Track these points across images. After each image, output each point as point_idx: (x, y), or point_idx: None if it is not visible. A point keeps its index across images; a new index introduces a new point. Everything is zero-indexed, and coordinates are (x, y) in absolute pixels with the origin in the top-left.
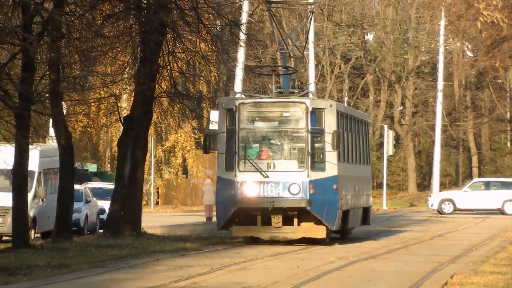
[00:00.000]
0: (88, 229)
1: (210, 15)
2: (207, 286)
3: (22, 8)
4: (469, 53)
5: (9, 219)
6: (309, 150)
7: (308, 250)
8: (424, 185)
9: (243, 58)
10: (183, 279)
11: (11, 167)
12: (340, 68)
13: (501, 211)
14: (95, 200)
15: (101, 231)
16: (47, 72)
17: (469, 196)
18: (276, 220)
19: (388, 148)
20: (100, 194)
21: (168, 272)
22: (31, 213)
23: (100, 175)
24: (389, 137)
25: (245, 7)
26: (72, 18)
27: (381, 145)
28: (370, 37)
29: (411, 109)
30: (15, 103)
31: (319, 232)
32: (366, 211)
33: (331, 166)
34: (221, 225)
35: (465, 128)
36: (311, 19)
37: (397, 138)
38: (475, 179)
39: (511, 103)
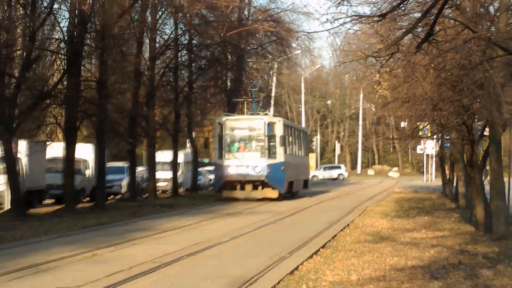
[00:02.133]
0: (205, 187)
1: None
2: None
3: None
4: (373, 108)
5: (170, 183)
6: (266, 146)
7: (272, 203)
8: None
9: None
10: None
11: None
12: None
13: (335, 179)
14: (207, 175)
15: (210, 188)
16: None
17: (323, 172)
18: (248, 187)
19: (337, 151)
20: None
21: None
22: (180, 180)
23: (209, 164)
24: (337, 146)
25: None
26: (197, 95)
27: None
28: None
29: (347, 134)
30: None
31: (274, 194)
32: (306, 181)
33: (280, 156)
34: (217, 190)
35: (371, 142)
36: (273, 72)
37: (341, 147)
38: (323, 165)
39: (393, 133)
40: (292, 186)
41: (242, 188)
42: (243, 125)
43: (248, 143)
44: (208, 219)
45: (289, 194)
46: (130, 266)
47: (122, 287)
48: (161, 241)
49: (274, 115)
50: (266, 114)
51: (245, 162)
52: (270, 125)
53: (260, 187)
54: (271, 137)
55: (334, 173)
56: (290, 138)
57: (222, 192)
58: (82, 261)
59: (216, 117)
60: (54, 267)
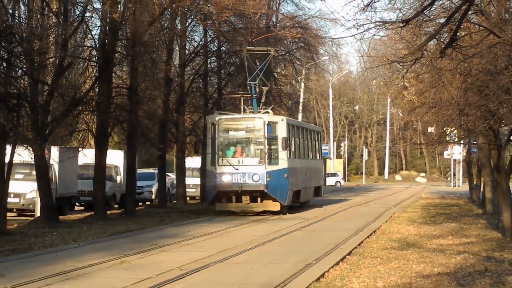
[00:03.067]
0: None
1: None
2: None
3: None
4: (400, 114)
5: (198, 189)
6: (266, 151)
7: (276, 217)
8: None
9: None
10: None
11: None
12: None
13: (332, 185)
14: None
15: None
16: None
17: None
18: (245, 199)
19: (365, 156)
20: None
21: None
22: None
23: None
24: (365, 152)
25: None
26: (226, 101)
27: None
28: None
29: (375, 140)
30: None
31: (275, 206)
32: (318, 188)
33: (283, 161)
34: (209, 201)
35: (398, 147)
36: (301, 78)
37: (368, 152)
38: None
39: (420, 138)
40: (300, 196)
41: (239, 200)
42: (239, 125)
43: (245, 146)
44: (235, 225)
45: (297, 203)
46: (158, 273)
47: None
48: (189, 247)
49: (275, 113)
50: (267, 112)
51: (241, 169)
52: (271, 125)
53: (259, 199)
54: (272, 139)
55: (331, 181)
56: (297, 140)
57: (215, 204)
58: (111, 268)
59: (209, 116)
60: (83, 274)
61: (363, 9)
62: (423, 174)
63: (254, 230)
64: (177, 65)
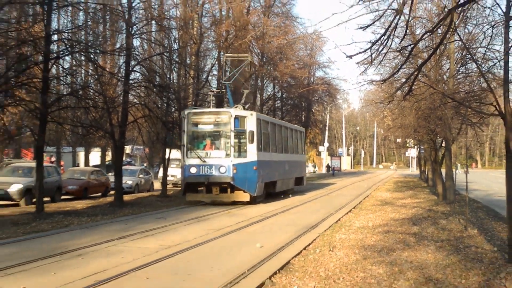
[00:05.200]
0: None
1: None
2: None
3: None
4: (382, 131)
5: None
6: (232, 144)
7: (248, 206)
8: None
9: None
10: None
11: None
12: None
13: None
14: None
15: None
16: None
17: None
18: (215, 190)
19: (362, 155)
20: None
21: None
22: None
23: None
24: (362, 152)
25: None
26: None
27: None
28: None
29: (368, 145)
30: None
31: (245, 197)
32: (300, 178)
33: (252, 154)
34: (182, 193)
35: (381, 150)
36: (327, 112)
37: (364, 153)
38: None
39: (393, 144)
40: (276, 186)
41: (209, 191)
42: (207, 119)
43: (213, 139)
44: (287, 195)
45: (274, 193)
46: (249, 218)
47: (244, 228)
48: (262, 205)
49: (245, 109)
50: (237, 107)
51: (208, 162)
52: (239, 119)
53: (229, 190)
54: (240, 133)
55: (310, 169)
56: (273, 135)
57: (186, 195)
58: (223, 215)
59: (183, 110)
60: (207, 218)
61: (360, 74)
62: (394, 165)
63: (297, 197)
64: (258, 105)
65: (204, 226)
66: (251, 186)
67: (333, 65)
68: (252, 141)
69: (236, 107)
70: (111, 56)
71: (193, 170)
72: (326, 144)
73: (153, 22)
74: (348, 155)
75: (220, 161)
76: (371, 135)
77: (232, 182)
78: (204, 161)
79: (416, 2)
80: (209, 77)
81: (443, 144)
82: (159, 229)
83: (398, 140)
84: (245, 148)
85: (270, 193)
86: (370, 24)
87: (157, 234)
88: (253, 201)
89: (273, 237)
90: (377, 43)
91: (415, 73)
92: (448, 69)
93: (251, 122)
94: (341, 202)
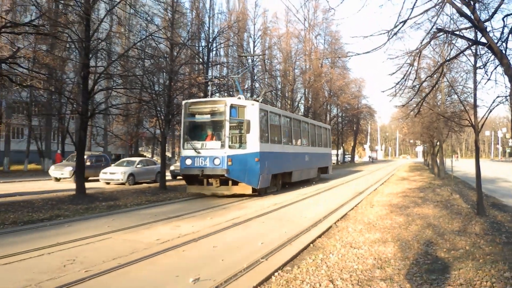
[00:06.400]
0: None
1: None
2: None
3: None
4: (401, 135)
5: None
6: (226, 134)
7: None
8: None
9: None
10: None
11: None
12: None
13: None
14: None
15: None
16: None
17: None
18: (215, 182)
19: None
20: None
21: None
22: None
23: None
24: (390, 149)
25: None
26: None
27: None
28: None
29: (393, 145)
30: None
31: (247, 190)
32: (325, 168)
33: (253, 146)
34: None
35: (402, 146)
36: (370, 127)
37: (389, 149)
38: None
39: (408, 143)
40: (292, 176)
41: (209, 183)
42: (203, 109)
43: (209, 130)
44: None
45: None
46: (286, 198)
47: (315, 195)
48: (289, 190)
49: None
50: (239, 98)
51: (203, 153)
52: (237, 109)
53: (230, 182)
54: (239, 123)
55: (366, 159)
56: (291, 129)
57: (187, 187)
58: (234, 207)
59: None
60: (239, 204)
61: (389, 101)
62: (408, 156)
63: (325, 183)
64: (328, 120)
65: (292, 193)
66: (252, 179)
67: (371, 96)
68: (248, 131)
69: (238, 98)
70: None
71: (188, 162)
72: (368, 143)
73: (267, 73)
74: (381, 150)
75: (215, 152)
76: (394, 138)
77: (226, 175)
78: (199, 153)
79: (420, 59)
80: (299, 104)
81: (438, 143)
82: (261, 196)
83: (411, 140)
84: (245, 139)
85: (287, 183)
86: (394, 73)
87: (267, 197)
88: (262, 192)
89: (334, 200)
90: (398, 83)
91: (421, 101)
92: (440, 98)
93: (251, 112)
94: (376, 179)
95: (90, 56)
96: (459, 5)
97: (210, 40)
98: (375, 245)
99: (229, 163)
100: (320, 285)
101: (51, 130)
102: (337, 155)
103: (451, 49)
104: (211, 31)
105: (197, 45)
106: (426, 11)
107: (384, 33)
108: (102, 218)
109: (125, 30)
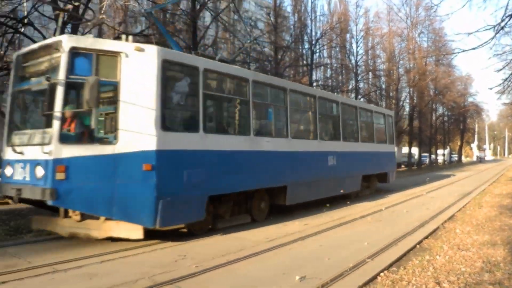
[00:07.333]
0: None
1: None
2: None
3: None
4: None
5: None
6: (58, 110)
7: None
8: None
9: None
10: None
11: None
12: None
13: None
14: None
15: None
16: None
17: None
18: (74, 214)
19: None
20: None
21: None
22: None
23: None
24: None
25: None
26: None
27: None
28: None
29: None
30: None
31: (135, 230)
32: (385, 174)
33: (139, 138)
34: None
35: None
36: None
37: None
38: None
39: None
40: (285, 195)
41: (67, 215)
42: (39, 64)
43: (42, 105)
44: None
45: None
46: (383, 203)
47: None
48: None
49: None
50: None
51: (25, 155)
52: (90, 59)
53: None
54: (106, 88)
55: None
56: (287, 112)
57: (31, 219)
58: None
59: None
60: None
61: (497, 99)
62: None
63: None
64: (434, 120)
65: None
66: (136, 209)
67: (478, 93)
68: (116, 102)
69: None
70: (346, 93)
71: (8, 171)
72: (476, 142)
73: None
74: (489, 149)
75: (38, 152)
76: (503, 136)
77: (50, 201)
78: (21, 154)
79: None
80: (404, 104)
81: None
82: (357, 200)
83: None
84: (116, 124)
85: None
86: (501, 69)
87: (360, 201)
88: (197, 232)
89: (442, 201)
90: (506, 80)
91: None
92: None
93: (136, 67)
94: (484, 179)
95: None
96: None
97: (313, 42)
98: (484, 248)
99: (61, 175)
100: (426, 287)
101: None
102: (443, 154)
103: None
104: (313, 33)
105: (300, 47)
106: None
107: (489, 28)
108: None
109: (230, 35)
